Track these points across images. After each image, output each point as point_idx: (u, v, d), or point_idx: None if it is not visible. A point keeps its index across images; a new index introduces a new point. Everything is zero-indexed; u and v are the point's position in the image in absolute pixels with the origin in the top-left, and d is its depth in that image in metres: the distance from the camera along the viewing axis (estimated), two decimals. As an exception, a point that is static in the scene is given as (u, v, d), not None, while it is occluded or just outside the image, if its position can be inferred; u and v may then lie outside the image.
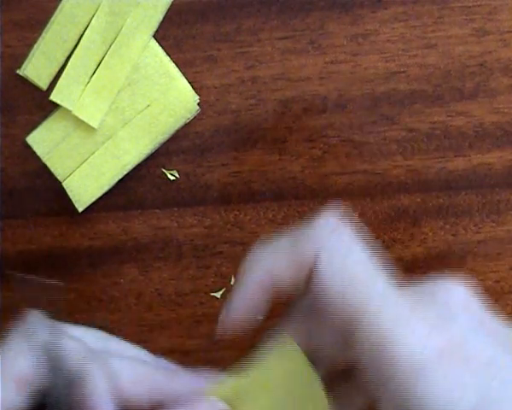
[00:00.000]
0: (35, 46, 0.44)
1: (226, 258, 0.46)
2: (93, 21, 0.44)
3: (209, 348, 0.47)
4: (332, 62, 0.45)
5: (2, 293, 0.47)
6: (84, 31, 0.44)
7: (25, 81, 0.45)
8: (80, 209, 0.46)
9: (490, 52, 0.45)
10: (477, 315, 0.29)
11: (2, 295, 0.47)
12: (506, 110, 0.45)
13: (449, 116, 0.45)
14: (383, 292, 0.29)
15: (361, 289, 0.29)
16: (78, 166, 0.45)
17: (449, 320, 0.29)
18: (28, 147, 0.45)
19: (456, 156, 0.46)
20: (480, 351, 0.28)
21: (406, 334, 0.28)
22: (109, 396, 0.31)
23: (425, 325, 0.28)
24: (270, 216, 0.46)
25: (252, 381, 0.33)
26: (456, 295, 0.29)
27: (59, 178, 0.45)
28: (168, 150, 0.46)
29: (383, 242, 0.46)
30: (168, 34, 0.45)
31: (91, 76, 0.45)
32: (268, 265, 0.31)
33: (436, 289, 0.30)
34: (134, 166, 0.45)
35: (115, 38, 0.44)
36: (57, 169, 0.45)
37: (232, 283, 0.46)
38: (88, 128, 0.45)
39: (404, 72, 0.45)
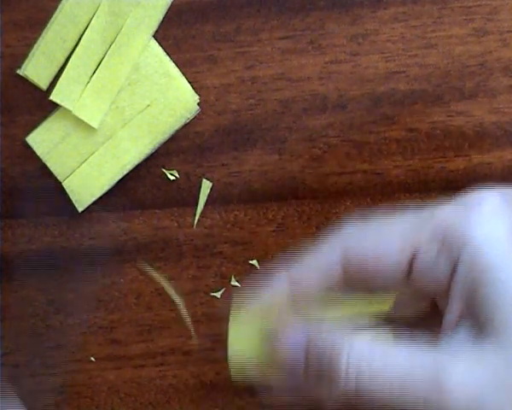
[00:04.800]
0: (35, 46, 0.44)
1: (226, 258, 0.46)
2: (93, 21, 0.44)
3: (209, 347, 0.47)
4: (332, 62, 0.45)
5: (3, 293, 0.47)
6: (84, 31, 0.44)
7: (25, 81, 0.45)
8: (80, 209, 0.46)
9: (490, 52, 0.45)
10: None
11: (2, 296, 0.47)
12: (506, 110, 0.45)
13: (449, 116, 0.45)
14: None
15: None
16: (78, 166, 0.45)
17: None
18: (28, 147, 0.45)
19: (456, 156, 0.46)
20: None
21: None
22: None
23: None
24: (270, 216, 0.46)
25: None
26: None
27: (59, 178, 0.45)
28: (168, 150, 0.46)
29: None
30: (168, 34, 0.45)
31: (91, 76, 0.45)
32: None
33: None
34: (134, 166, 0.45)
35: (115, 38, 0.44)
36: (57, 169, 0.45)
37: (232, 282, 0.46)
38: (88, 128, 0.45)
39: (404, 72, 0.45)
